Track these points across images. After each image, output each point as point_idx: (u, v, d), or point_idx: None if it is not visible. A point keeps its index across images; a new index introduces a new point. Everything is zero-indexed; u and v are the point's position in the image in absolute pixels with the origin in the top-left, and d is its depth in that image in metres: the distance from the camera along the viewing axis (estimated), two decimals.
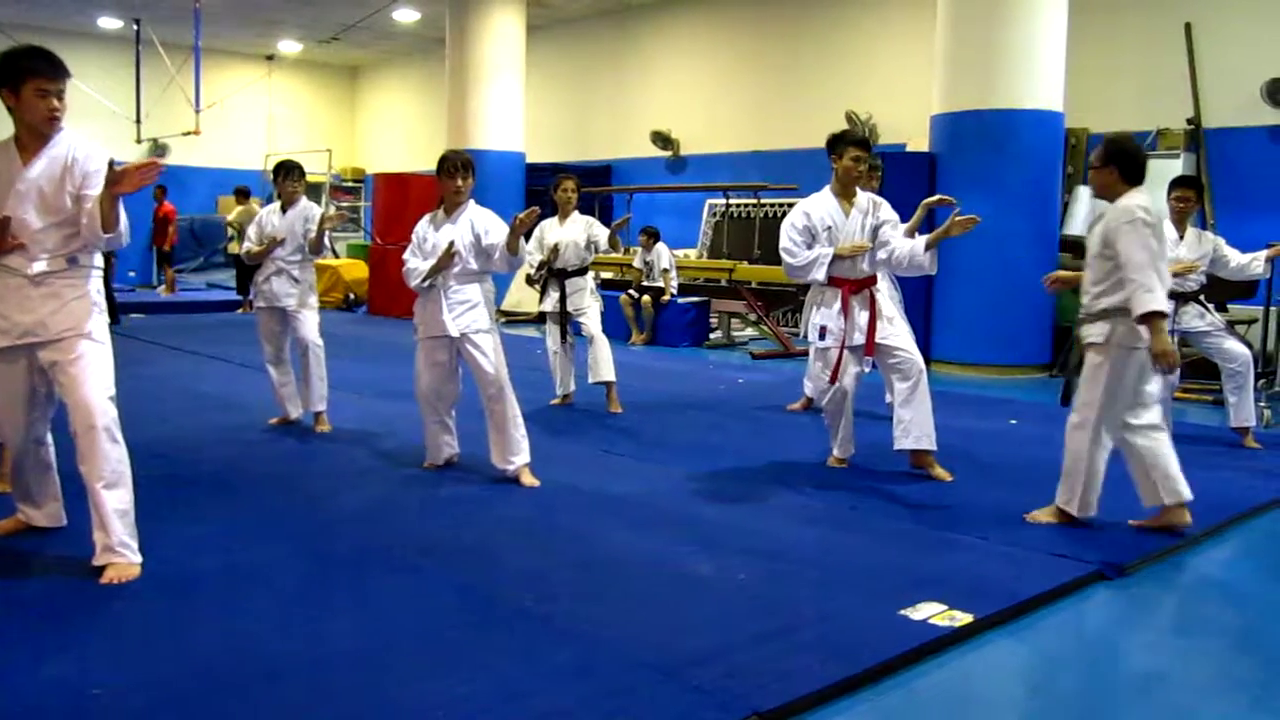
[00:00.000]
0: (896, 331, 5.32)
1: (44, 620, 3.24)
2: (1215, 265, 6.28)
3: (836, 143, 5.32)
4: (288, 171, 6.32)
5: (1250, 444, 6.25)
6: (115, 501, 3.62)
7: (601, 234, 7.01)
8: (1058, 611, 3.62)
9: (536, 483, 5.03)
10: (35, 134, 3.63)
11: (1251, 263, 6.21)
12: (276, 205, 6.35)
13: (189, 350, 9.93)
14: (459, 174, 5.05)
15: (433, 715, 2.63)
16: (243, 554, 3.92)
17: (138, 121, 17.95)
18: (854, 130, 5.31)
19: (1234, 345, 6.31)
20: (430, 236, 5.10)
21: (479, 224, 5.05)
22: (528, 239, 7.25)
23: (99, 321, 3.74)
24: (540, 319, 7.76)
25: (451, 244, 4.95)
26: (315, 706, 2.69)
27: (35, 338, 3.64)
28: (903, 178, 9.72)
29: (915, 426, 5.21)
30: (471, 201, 5.15)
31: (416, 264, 5.09)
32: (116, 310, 10.99)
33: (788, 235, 5.31)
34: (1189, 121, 10.51)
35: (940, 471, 5.28)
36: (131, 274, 17.75)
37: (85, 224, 3.60)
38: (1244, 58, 10.23)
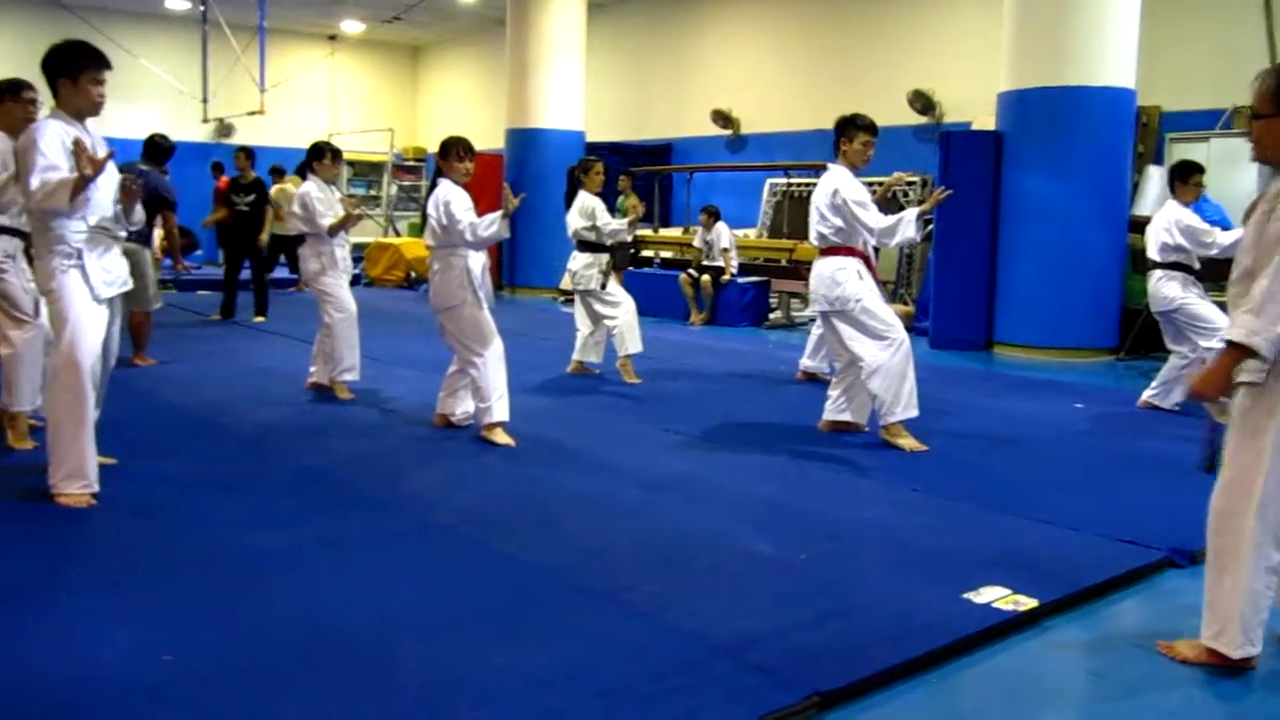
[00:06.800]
0: None
1: (114, 589, 3.32)
2: None
3: (847, 126, 5.57)
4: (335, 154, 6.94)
5: None
6: None
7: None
8: (1125, 598, 3.57)
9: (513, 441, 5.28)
10: (82, 119, 4.11)
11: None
12: (320, 182, 6.74)
13: (256, 329, 10.10)
14: (469, 156, 5.73)
15: (481, 695, 2.66)
16: (309, 527, 3.99)
17: (204, 101, 18.23)
18: (864, 115, 5.48)
19: None
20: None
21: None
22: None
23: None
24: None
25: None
26: (381, 678, 2.73)
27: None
28: (968, 157, 9.58)
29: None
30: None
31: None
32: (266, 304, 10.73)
33: (867, 203, 5.46)
34: None
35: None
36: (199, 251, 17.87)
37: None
38: None
